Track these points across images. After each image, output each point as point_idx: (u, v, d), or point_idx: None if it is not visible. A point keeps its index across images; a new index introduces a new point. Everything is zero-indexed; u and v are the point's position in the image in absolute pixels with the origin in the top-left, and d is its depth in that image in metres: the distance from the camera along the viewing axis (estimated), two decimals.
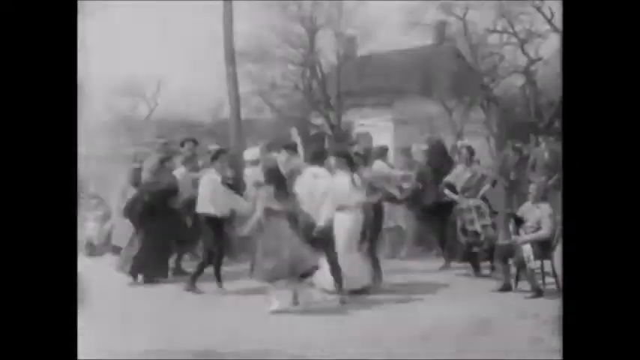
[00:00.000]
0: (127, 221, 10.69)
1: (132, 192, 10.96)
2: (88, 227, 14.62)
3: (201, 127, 26.87)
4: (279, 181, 8.49)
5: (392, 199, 10.60)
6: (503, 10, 22.69)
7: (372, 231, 9.42)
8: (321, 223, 8.45)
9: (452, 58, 24.40)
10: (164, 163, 10.55)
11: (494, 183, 10.50)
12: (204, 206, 9.37)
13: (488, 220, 9.83)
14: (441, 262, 10.75)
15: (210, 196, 9.29)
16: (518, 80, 24.03)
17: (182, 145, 11.64)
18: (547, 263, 8.94)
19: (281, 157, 9.78)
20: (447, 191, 10.23)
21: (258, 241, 8.37)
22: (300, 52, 26.66)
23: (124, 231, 11.10)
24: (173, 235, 10.36)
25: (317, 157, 9.05)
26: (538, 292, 8.72)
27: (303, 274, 8.32)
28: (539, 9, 21.79)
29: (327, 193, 8.59)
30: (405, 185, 11.28)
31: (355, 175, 9.05)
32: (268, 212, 8.33)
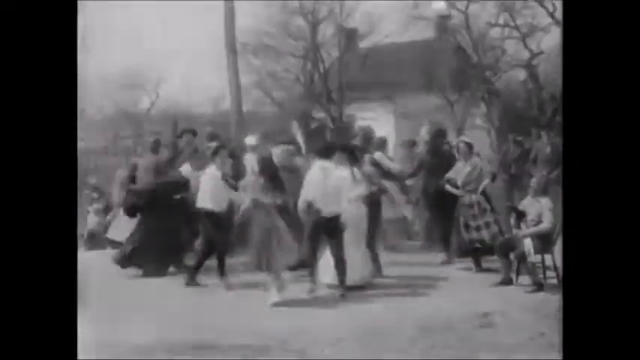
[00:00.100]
0: (127, 215, 10.70)
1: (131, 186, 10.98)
2: (88, 220, 14.66)
3: (203, 119, 26.86)
4: (271, 173, 8.52)
5: (388, 174, 10.62)
6: (505, 3, 22.62)
7: (369, 224, 9.42)
8: (340, 211, 8.54)
9: (453, 52, 24.34)
10: (171, 161, 10.58)
11: (493, 177, 10.48)
12: (204, 201, 9.37)
13: (490, 217, 9.83)
14: (441, 256, 10.73)
15: (210, 191, 9.29)
16: (520, 74, 23.97)
17: (180, 136, 11.63)
18: (548, 257, 8.94)
19: (276, 151, 9.80)
20: (448, 187, 10.22)
21: (250, 233, 8.43)
22: (302, 44, 26.62)
23: (122, 225, 11.11)
24: (179, 230, 10.32)
25: (325, 152, 9.01)
26: (539, 287, 8.72)
27: (291, 268, 8.35)
28: (541, 3, 21.71)
29: (339, 186, 8.60)
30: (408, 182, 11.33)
31: (355, 169, 9.07)
32: (256, 203, 8.38)
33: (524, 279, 8.92)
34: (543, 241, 8.86)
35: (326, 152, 8.98)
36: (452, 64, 24.00)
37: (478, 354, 6.53)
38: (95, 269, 10.12)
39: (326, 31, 26.48)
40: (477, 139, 12.50)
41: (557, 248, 8.69)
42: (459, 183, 10.06)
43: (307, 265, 8.81)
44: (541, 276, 8.91)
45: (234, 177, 9.80)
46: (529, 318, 7.58)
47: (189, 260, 10.30)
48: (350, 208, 8.79)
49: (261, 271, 8.37)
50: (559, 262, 8.64)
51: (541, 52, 22.64)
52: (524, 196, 9.84)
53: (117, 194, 12.85)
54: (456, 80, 23.86)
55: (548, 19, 21.70)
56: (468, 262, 10.15)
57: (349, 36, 27.11)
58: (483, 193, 9.98)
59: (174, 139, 12.11)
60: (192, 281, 9.43)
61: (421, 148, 11.49)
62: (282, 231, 8.27)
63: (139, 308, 8.40)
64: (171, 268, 10.39)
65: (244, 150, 11.31)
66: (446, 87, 24.00)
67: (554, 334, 6.61)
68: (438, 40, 25.31)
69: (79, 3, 5.31)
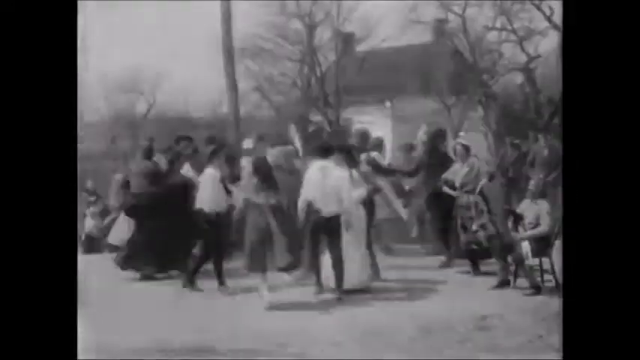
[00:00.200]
0: (127, 218, 10.68)
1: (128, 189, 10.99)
2: (85, 224, 14.67)
3: (201, 123, 26.88)
4: (265, 173, 8.52)
5: (387, 171, 10.66)
6: (502, 7, 22.67)
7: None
8: (339, 211, 8.55)
9: (451, 56, 24.38)
10: (173, 163, 10.56)
11: (491, 177, 10.49)
12: (203, 203, 9.31)
13: (486, 218, 9.83)
14: (439, 259, 10.74)
15: (209, 193, 9.25)
16: (517, 77, 24.02)
17: (177, 142, 11.60)
18: (545, 260, 8.94)
19: (272, 151, 9.80)
20: (445, 188, 10.24)
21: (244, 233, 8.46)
22: (299, 48, 26.66)
23: (123, 229, 11.09)
24: (180, 232, 10.29)
25: (323, 151, 8.99)
26: (537, 290, 8.73)
27: (281, 269, 8.36)
28: (538, 6, 21.77)
29: (338, 185, 8.60)
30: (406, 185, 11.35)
31: (353, 171, 9.07)
32: (248, 204, 8.40)
33: (522, 282, 8.93)
34: (541, 244, 8.87)
35: (324, 152, 8.96)
36: (449, 68, 24.04)
37: (476, 356, 6.54)
38: (93, 272, 10.11)
39: (323, 34, 26.54)
40: (475, 142, 12.49)
41: (555, 251, 8.70)
42: (457, 184, 10.06)
43: (310, 266, 8.77)
44: (539, 279, 8.92)
45: (231, 180, 9.79)
46: (527, 321, 7.59)
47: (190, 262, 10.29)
48: (351, 209, 8.79)
49: (252, 272, 8.38)
50: (557, 265, 8.66)
51: (538, 56, 22.70)
52: (521, 199, 9.86)
53: (114, 198, 12.86)
54: (454, 84, 23.90)
55: (546, 23, 21.76)
56: (466, 265, 10.15)
57: (346, 40, 27.16)
58: (481, 193, 9.98)
59: (171, 145, 12.06)
60: (189, 284, 9.40)
61: (419, 149, 11.49)
62: (274, 231, 8.27)
63: (138, 311, 8.40)
64: (173, 272, 10.34)
65: (241, 154, 11.30)
66: (443, 90, 24.03)
67: (552, 337, 6.63)
68: (435, 44, 25.34)
69: (79, 3, 5.31)
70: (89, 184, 15.97)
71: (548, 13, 21.49)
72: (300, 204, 8.65)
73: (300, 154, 10.87)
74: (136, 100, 32.90)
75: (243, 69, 24.41)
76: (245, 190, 8.58)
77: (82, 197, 14.95)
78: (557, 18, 20.26)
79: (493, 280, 9.22)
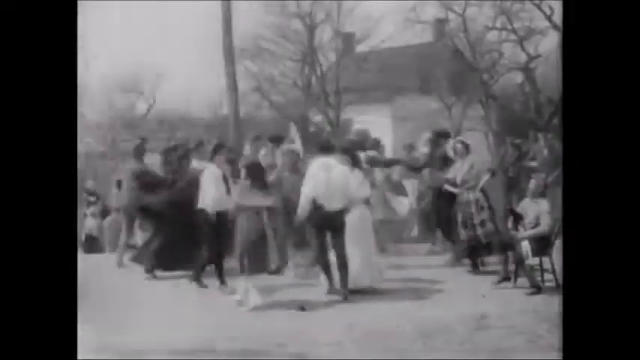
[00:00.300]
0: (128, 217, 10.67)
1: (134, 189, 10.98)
2: (85, 224, 14.67)
3: (201, 122, 26.90)
4: (257, 177, 8.48)
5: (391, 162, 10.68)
6: (502, 7, 22.68)
7: None
8: (343, 207, 8.54)
9: (451, 55, 24.40)
10: (181, 160, 10.53)
11: (493, 173, 10.49)
12: (206, 202, 9.14)
13: (486, 215, 9.83)
14: (438, 258, 10.74)
15: (211, 191, 9.12)
16: (518, 77, 24.04)
17: (174, 149, 11.59)
18: (546, 260, 8.94)
19: (264, 151, 9.77)
20: (446, 186, 10.25)
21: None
22: (299, 48, 26.66)
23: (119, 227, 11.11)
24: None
25: (325, 148, 8.97)
26: (537, 289, 8.73)
27: (272, 272, 8.36)
28: (538, 6, 21.78)
29: (341, 181, 8.59)
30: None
31: (356, 171, 9.05)
32: (239, 207, 8.38)
33: (523, 281, 8.93)
34: (541, 244, 8.87)
35: (326, 149, 8.92)
36: (449, 68, 24.06)
37: (476, 356, 6.53)
38: (94, 272, 10.11)
39: (323, 35, 26.55)
40: (475, 141, 12.51)
41: (555, 250, 8.71)
42: (458, 181, 10.07)
43: (316, 263, 8.72)
44: (539, 278, 8.92)
45: (232, 179, 9.76)
46: (527, 320, 7.58)
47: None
48: (355, 208, 8.81)
49: (242, 274, 8.37)
50: (557, 265, 8.66)
51: (538, 55, 22.71)
52: (521, 198, 9.86)
53: (114, 198, 12.87)
54: (454, 83, 23.92)
55: (546, 23, 21.78)
56: (467, 265, 10.15)
57: (346, 40, 27.17)
58: (482, 190, 9.98)
59: (142, 141, 12.04)
60: (197, 283, 9.36)
61: (423, 149, 11.52)
62: (266, 234, 8.27)
63: (138, 311, 8.40)
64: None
65: (241, 155, 11.29)
66: (443, 90, 24.05)
67: (553, 337, 6.63)
68: (435, 44, 25.36)
69: (78, 3, 5.31)
70: (89, 184, 15.97)
71: (548, 12, 21.51)
72: (302, 200, 8.60)
73: (301, 154, 10.88)
74: (136, 100, 32.91)
75: (243, 69, 24.46)
76: (239, 194, 8.53)
77: (81, 197, 14.97)
78: (558, 18, 20.26)
79: (493, 280, 9.21)
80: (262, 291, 8.66)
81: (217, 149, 9.49)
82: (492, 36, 23.83)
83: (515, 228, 9.13)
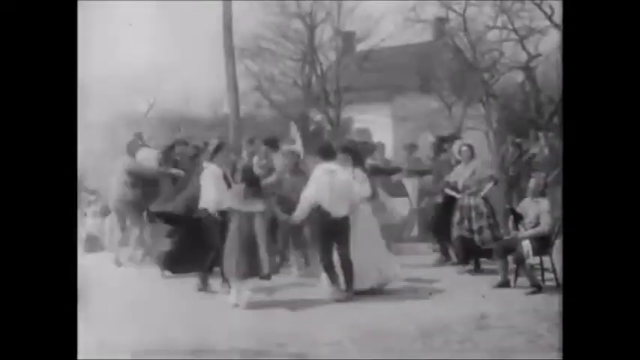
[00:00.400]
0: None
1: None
2: (86, 223, 14.64)
3: (202, 123, 26.85)
4: (251, 181, 8.47)
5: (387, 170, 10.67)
6: (503, 6, 22.65)
7: None
8: (347, 213, 8.57)
9: (451, 55, 24.35)
10: (193, 159, 10.50)
11: (496, 182, 10.46)
12: (208, 202, 9.12)
13: (484, 222, 9.83)
14: (434, 257, 10.74)
15: (212, 190, 9.07)
16: (518, 76, 23.97)
17: (172, 147, 11.59)
18: (546, 259, 8.94)
19: (258, 155, 9.75)
20: (447, 190, 10.24)
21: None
22: (299, 48, 26.61)
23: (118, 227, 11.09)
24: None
25: (328, 153, 8.95)
26: (537, 288, 8.72)
27: (263, 277, 8.37)
28: (539, 5, 21.73)
29: (345, 187, 8.60)
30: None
31: (357, 171, 9.04)
32: (232, 211, 8.38)
33: (523, 281, 8.92)
34: (541, 243, 8.87)
35: (328, 154, 8.90)
36: (450, 67, 24.00)
37: (477, 356, 6.53)
38: (94, 272, 10.09)
39: (323, 34, 26.49)
40: (476, 141, 12.50)
41: (556, 250, 8.70)
42: (460, 185, 10.06)
43: (323, 265, 8.70)
44: (539, 278, 8.92)
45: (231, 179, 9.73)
46: (527, 320, 7.58)
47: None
48: (360, 210, 8.80)
49: (231, 276, 8.36)
50: (557, 264, 8.65)
51: (539, 55, 22.64)
52: (522, 198, 9.85)
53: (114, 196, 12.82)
54: (454, 82, 23.86)
55: (546, 22, 21.71)
56: (464, 265, 10.13)
57: (347, 39, 27.09)
58: (483, 198, 9.97)
59: (134, 140, 12.02)
60: (204, 286, 9.27)
61: (429, 153, 11.54)
62: (258, 239, 8.27)
63: (138, 311, 8.39)
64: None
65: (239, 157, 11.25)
66: (444, 89, 24.00)
67: (553, 336, 6.62)
68: (435, 43, 25.30)
69: (78, 3, 5.31)
70: (89, 183, 15.93)
71: (548, 12, 21.44)
72: (303, 202, 8.61)
73: (301, 153, 10.86)
74: (136, 100, 32.85)
75: (243, 69, 24.38)
76: (232, 198, 8.52)
77: (81, 196, 14.95)
78: (558, 17, 20.24)
79: (493, 280, 9.21)
80: (262, 291, 8.68)
81: (218, 149, 9.45)
82: (493, 35, 23.73)
83: (516, 227, 9.12)
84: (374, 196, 9.69)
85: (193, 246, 9.84)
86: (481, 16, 23.36)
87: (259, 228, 8.32)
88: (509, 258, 9.02)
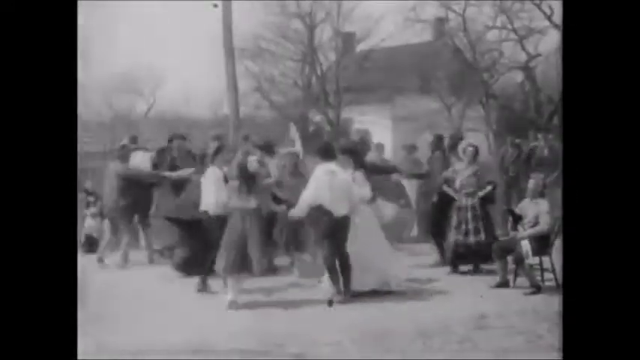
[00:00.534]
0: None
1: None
2: (85, 224, 14.67)
3: (202, 124, 26.87)
4: (245, 178, 8.48)
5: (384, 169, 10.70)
6: (502, 6, 22.67)
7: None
8: (348, 213, 8.56)
9: (451, 55, 24.37)
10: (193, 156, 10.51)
11: (494, 186, 10.44)
12: (208, 204, 9.11)
13: (480, 223, 9.83)
14: (433, 258, 10.75)
15: (214, 191, 9.07)
16: (518, 76, 24.00)
17: (170, 141, 11.60)
18: (545, 259, 8.95)
19: (252, 157, 9.76)
20: (445, 187, 10.24)
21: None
22: (299, 48, 26.63)
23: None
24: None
25: (329, 153, 8.95)
26: (537, 289, 8.73)
27: (257, 275, 8.38)
28: (538, 5, 21.76)
29: (346, 187, 8.60)
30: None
31: (357, 173, 9.03)
32: (227, 208, 8.41)
33: (522, 281, 8.93)
34: (541, 243, 8.87)
35: (328, 154, 8.90)
36: (449, 67, 24.02)
37: (476, 356, 6.54)
38: (94, 272, 10.11)
39: (323, 34, 26.50)
40: (475, 141, 12.51)
41: (555, 250, 8.71)
42: (457, 184, 10.06)
43: (328, 269, 8.68)
44: (539, 278, 8.92)
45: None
46: (527, 320, 7.58)
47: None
48: (361, 210, 8.81)
49: (226, 274, 8.37)
50: (557, 264, 8.66)
51: (538, 55, 22.68)
52: (521, 198, 9.85)
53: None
54: (454, 83, 23.88)
55: (546, 22, 21.75)
56: (464, 265, 10.14)
57: (346, 39, 27.11)
58: (481, 199, 9.96)
59: (126, 143, 12.01)
60: (204, 287, 9.26)
61: (427, 152, 11.56)
62: (252, 236, 8.28)
63: (138, 311, 8.40)
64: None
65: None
66: (443, 90, 24.02)
67: (553, 337, 6.63)
68: (435, 43, 25.33)
69: (78, 3, 5.32)
70: (89, 184, 15.96)
71: (548, 12, 21.48)
72: (302, 202, 8.61)
73: (301, 154, 10.87)
74: (135, 101, 32.87)
75: (243, 69, 24.41)
76: (228, 195, 8.54)
77: (81, 197, 14.98)
78: (557, 17, 20.27)
79: (492, 280, 9.22)
80: (262, 291, 8.69)
81: (218, 151, 9.47)
82: (492, 35, 23.78)
83: (515, 228, 9.13)
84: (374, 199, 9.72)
85: (203, 248, 9.84)
86: (481, 17, 23.40)
87: (252, 225, 8.32)
88: (509, 258, 9.03)
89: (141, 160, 11.46)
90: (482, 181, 10.09)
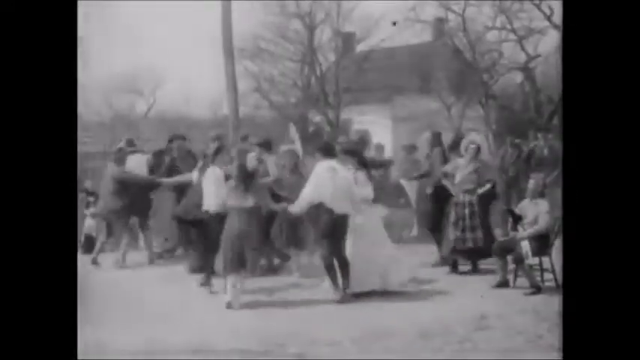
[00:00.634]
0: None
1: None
2: (85, 224, 14.64)
3: (202, 124, 26.85)
4: (243, 178, 8.48)
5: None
6: (502, 6, 22.68)
7: None
8: (348, 211, 8.55)
9: (451, 55, 24.38)
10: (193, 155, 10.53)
11: (493, 185, 10.44)
12: (210, 203, 9.14)
13: (477, 221, 9.83)
14: (434, 258, 10.75)
15: (215, 192, 9.08)
16: (517, 77, 24.02)
17: (170, 141, 11.60)
18: (545, 260, 8.95)
19: (251, 155, 9.77)
20: (444, 181, 10.25)
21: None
22: (299, 48, 26.63)
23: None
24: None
25: (329, 151, 8.94)
26: (537, 289, 8.73)
27: (254, 275, 8.40)
28: (538, 6, 21.78)
29: (347, 185, 8.59)
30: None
31: (359, 174, 9.02)
32: (224, 207, 8.43)
33: (522, 281, 8.93)
34: (541, 244, 8.87)
35: (328, 152, 8.88)
36: (449, 67, 24.03)
37: (476, 356, 6.54)
38: (94, 272, 10.11)
39: (323, 34, 26.51)
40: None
41: (555, 250, 8.71)
42: (457, 179, 10.06)
43: (326, 268, 8.68)
44: (539, 278, 8.92)
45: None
46: (527, 320, 7.59)
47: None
48: (364, 210, 8.80)
49: (226, 273, 8.38)
50: (557, 265, 8.66)
51: (538, 55, 22.70)
52: (521, 198, 9.85)
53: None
54: (453, 83, 23.90)
55: (545, 22, 21.77)
56: (467, 265, 10.14)
57: (346, 39, 27.13)
58: (479, 197, 9.96)
59: (123, 145, 12.01)
60: (207, 282, 9.26)
61: (426, 152, 11.54)
62: (250, 236, 8.29)
63: (138, 311, 8.40)
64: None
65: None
66: (443, 90, 24.03)
67: (553, 337, 6.63)
68: (434, 43, 25.34)
69: (78, 3, 5.32)
70: (88, 184, 15.94)
71: (547, 12, 21.51)
72: (303, 199, 8.60)
73: (300, 154, 10.87)
74: (135, 101, 32.88)
75: (243, 69, 24.42)
76: (227, 194, 8.55)
77: (81, 197, 14.96)
78: (557, 17, 20.28)
79: (492, 280, 9.22)
80: (263, 291, 8.69)
81: (218, 151, 9.48)
82: (492, 36, 23.80)
83: (515, 228, 9.13)
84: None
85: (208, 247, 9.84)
86: (480, 17, 23.43)
87: (249, 225, 8.32)
88: (509, 258, 9.03)
89: (137, 164, 11.44)
90: (482, 178, 10.09)
